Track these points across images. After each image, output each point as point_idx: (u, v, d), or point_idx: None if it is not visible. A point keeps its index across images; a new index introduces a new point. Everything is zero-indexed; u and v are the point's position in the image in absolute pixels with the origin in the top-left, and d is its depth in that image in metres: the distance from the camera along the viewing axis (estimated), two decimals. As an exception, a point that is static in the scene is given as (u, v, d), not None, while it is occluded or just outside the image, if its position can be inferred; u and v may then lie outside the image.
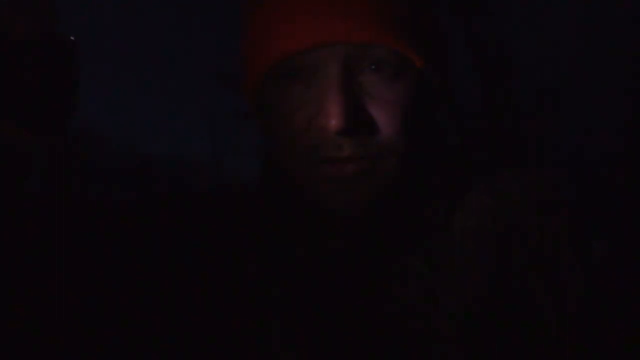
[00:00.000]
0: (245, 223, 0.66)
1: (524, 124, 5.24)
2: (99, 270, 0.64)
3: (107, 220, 0.68)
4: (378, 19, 0.54)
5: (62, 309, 0.61)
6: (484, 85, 5.19)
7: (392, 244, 0.58)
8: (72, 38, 0.66)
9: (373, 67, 0.56)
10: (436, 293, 0.58)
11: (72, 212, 0.65)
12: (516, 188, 0.64)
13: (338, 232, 0.58)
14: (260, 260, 0.63)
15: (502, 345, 0.57)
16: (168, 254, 0.65)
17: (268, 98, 0.59)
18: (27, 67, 0.63)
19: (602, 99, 4.74)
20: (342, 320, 0.58)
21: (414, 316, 0.57)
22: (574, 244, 0.60)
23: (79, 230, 0.65)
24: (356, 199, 0.56)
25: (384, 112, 0.55)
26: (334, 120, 0.53)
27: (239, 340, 0.60)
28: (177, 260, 0.64)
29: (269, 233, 0.65)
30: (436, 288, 0.58)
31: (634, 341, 0.61)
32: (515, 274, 0.59)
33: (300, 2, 0.55)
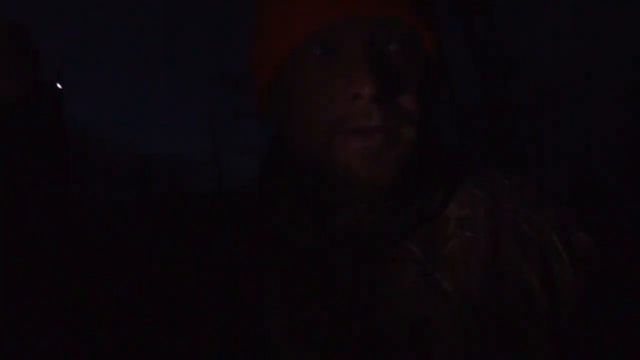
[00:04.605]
0: (245, 222, 0.67)
1: (523, 124, 5.26)
2: (99, 269, 0.64)
3: (108, 220, 0.68)
4: None
5: (62, 309, 0.61)
6: (484, 85, 5.21)
7: (393, 228, 0.59)
8: (59, 86, 0.63)
9: (394, 42, 0.57)
10: (434, 276, 0.59)
11: (73, 212, 0.66)
12: (506, 185, 0.66)
13: (361, 202, 0.59)
14: (261, 256, 0.64)
15: (497, 325, 0.58)
16: (168, 253, 0.66)
17: (289, 78, 0.60)
18: (14, 125, 0.60)
19: (601, 99, 4.76)
20: (345, 305, 0.59)
21: (413, 298, 0.58)
22: (559, 235, 0.62)
23: (79, 231, 0.65)
24: (381, 169, 0.57)
25: (405, 84, 0.58)
26: (367, 87, 0.55)
27: (242, 338, 0.61)
28: (178, 260, 0.65)
29: (268, 229, 0.65)
30: (434, 272, 0.59)
31: (620, 325, 0.62)
32: (507, 260, 0.60)
33: None
